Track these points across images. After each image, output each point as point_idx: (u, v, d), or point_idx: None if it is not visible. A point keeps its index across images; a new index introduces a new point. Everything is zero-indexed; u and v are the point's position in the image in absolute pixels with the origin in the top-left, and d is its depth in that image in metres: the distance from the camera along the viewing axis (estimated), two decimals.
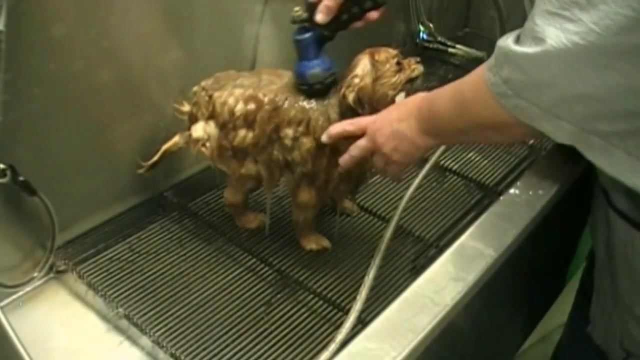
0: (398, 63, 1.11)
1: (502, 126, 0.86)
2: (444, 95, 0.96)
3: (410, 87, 1.13)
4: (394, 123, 1.02)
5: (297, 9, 1.05)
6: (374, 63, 1.10)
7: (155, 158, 1.26)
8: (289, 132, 1.12)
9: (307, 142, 1.12)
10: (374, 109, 1.10)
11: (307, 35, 1.07)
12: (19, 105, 1.04)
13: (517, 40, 0.77)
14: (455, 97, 0.93)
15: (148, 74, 1.27)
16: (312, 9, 1.05)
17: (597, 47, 0.67)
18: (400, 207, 1.23)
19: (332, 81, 1.11)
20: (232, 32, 1.42)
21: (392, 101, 1.11)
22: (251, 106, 1.13)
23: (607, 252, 1.07)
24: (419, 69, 1.13)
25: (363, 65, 1.10)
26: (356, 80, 1.09)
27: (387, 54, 1.11)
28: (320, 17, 1.05)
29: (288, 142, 1.13)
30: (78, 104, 1.15)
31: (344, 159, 1.09)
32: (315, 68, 1.09)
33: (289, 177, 1.19)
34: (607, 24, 0.66)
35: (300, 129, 1.12)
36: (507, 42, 0.78)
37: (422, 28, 1.96)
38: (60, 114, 1.13)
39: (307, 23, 1.07)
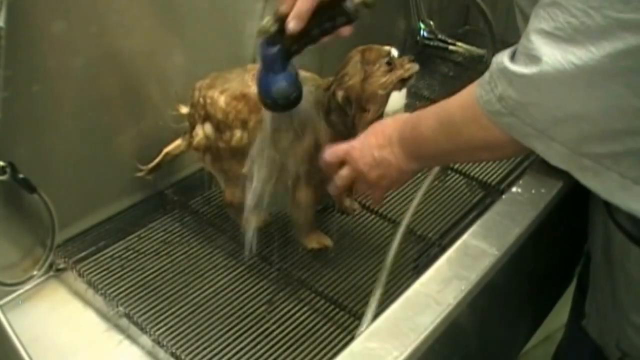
0: (389, 63, 1.09)
1: (495, 146, 0.85)
2: (429, 117, 0.95)
3: (402, 86, 1.12)
4: (375, 151, 1.01)
5: (267, 18, 0.97)
6: (364, 62, 1.09)
7: (156, 161, 1.27)
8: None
9: (302, 142, 1.11)
10: (363, 109, 1.09)
11: (275, 49, 0.98)
12: (19, 102, 1.04)
13: (513, 58, 0.76)
14: (442, 120, 0.92)
15: (149, 71, 1.26)
16: (281, 21, 0.97)
17: (591, 67, 0.67)
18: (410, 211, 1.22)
19: (297, 96, 1.02)
20: (233, 30, 1.41)
21: (383, 100, 1.10)
22: (242, 104, 1.13)
23: (605, 257, 1.07)
24: (412, 68, 1.11)
25: (353, 64, 1.10)
26: (346, 79, 1.09)
27: (378, 53, 1.10)
28: (292, 24, 0.94)
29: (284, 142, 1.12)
30: (78, 101, 1.15)
31: (332, 188, 1.10)
32: (281, 82, 1.00)
33: (286, 176, 1.18)
34: (602, 45, 0.66)
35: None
36: (502, 58, 0.77)
37: (422, 26, 1.95)
38: (60, 111, 1.13)
39: (276, 36, 0.98)
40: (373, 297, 1.06)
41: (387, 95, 1.11)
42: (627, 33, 0.64)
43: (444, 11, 1.98)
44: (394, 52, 1.11)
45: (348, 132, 1.10)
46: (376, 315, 1.04)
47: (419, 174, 1.39)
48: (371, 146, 1.02)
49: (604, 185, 0.76)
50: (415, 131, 0.97)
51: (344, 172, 1.06)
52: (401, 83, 1.11)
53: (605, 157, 0.74)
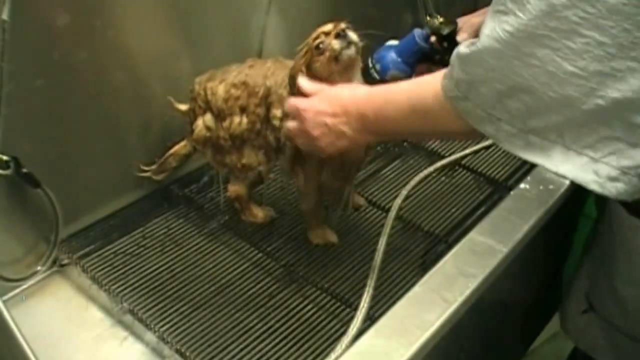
0: (318, 47, 1.04)
1: (466, 134, 0.86)
2: (398, 100, 0.94)
3: (340, 64, 1.04)
4: (328, 118, 1.00)
5: (442, 20, 1.08)
6: (306, 48, 1.07)
7: (159, 162, 1.29)
8: (277, 112, 1.13)
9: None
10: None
11: (427, 45, 1.10)
12: (23, 96, 1.03)
13: (472, 43, 0.79)
14: (414, 104, 0.92)
15: (153, 64, 1.26)
16: (452, 30, 1.09)
17: (521, 32, 0.72)
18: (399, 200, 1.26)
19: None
20: (239, 23, 1.40)
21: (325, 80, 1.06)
22: (241, 90, 1.15)
23: (609, 226, 1.11)
24: (334, 46, 1.03)
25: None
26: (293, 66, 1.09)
27: (314, 38, 1.06)
28: (463, 36, 1.10)
29: (276, 122, 1.14)
30: (83, 95, 1.14)
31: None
32: (400, 72, 1.11)
33: (283, 160, 1.19)
34: (528, 9, 0.71)
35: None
36: (460, 45, 0.81)
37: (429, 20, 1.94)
38: (64, 106, 1.12)
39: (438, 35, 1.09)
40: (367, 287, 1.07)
41: (333, 75, 1.05)
42: None
43: (452, 5, 1.97)
44: (326, 29, 1.05)
45: None
46: (372, 306, 1.04)
47: (418, 169, 1.40)
48: (324, 113, 1.01)
49: (551, 159, 0.78)
50: (380, 113, 0.96)
51: (291, 124, 1.05)
52: (335, 62, 1.04)
53: (550, 130, 0.76)
